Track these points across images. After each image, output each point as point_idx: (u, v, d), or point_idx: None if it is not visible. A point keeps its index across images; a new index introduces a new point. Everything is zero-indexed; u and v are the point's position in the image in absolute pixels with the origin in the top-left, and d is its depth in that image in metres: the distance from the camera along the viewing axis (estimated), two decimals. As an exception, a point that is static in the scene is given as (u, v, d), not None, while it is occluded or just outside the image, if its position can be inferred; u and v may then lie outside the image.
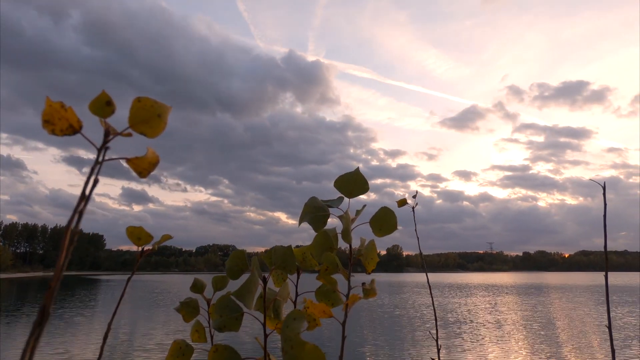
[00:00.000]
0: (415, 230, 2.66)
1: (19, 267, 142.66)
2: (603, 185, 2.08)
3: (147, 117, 0.56)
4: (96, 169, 0.52)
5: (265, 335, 1.02)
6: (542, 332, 21.76)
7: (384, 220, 1.15)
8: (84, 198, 0.49)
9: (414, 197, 2.67)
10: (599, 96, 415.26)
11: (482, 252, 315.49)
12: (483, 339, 19.95)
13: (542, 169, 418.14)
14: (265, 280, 1.06)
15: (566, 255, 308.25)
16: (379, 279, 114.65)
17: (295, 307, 1.33)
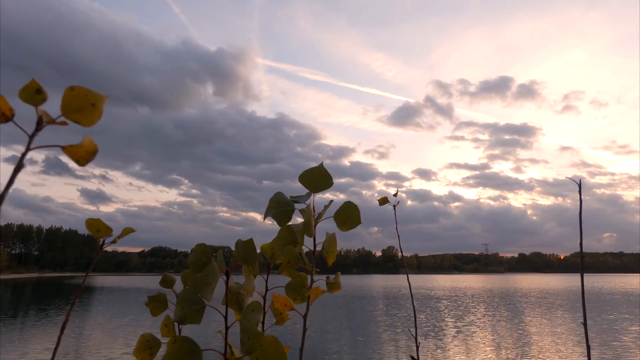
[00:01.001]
0: (397, 229, 2.67)
1: (13, 268, 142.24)
2: (579, 183, 2.10)
3: (81, 106, 0.56)
4: (26, 154, 0.53)
5: (226, 328, 1.03)
6: (520, 332, 22.37)
7: (347, 215, 1.17)
8: (10, 183, 0.50)
9: (395, 195, 2.68)
10: (529, 91, 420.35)
11: (477, 253, 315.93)
12: (462, 338, 20.56)
13: (501, 168, 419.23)
14: (228, 274, 1.07)
15: (562, 257, 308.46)
16: (373, 280, 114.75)
17: (264, 302, 1.34)
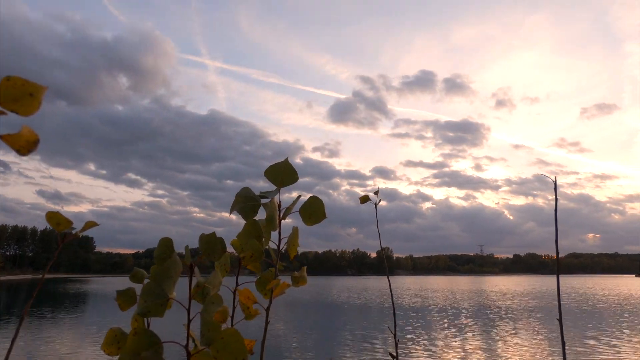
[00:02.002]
0: (377, 227, 2.68)
1: (8, 269, 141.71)
2: (554, 180, 2.12)
3: (18, 96, 0.57)
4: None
5: (189, 320, 1.04)
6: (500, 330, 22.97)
7: (312, 209, 1.18)
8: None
9: (376, 193, 2.70)
10: (455, 85, 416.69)
11: (472, 254, 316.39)
12: (440, 336, 21.54)
13: (460, 166, 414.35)
14: (192, 267, 1.08)
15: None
16: (368, 282, 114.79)
17: (234, 297, 1.35)
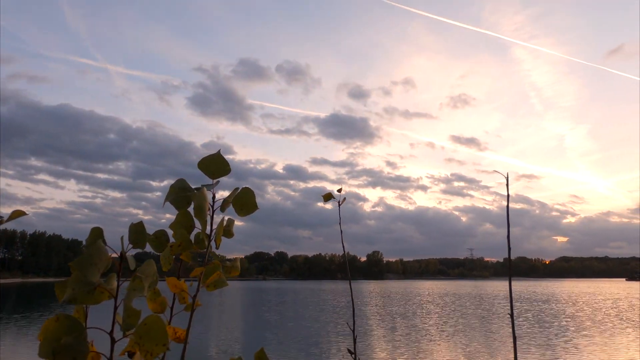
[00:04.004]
0: (340, 224, 2.71)
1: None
2: (506, 176, 2.15)
3: None
4: None
5: (115, 307, 1.06)
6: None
7: (244, 200, 1.20)
8: None
9: (339, 191, 2.72)
10: (295, 71, 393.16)
11: (462, 258, 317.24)
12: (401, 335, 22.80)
13: (372, 164, 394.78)
14: (122, 256, 1.10)
15: (547, 262, 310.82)
16: (362, 285, 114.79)
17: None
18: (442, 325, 27.22)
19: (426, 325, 27.55)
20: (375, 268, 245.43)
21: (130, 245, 1.13)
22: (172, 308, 1.30)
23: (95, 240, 1.16)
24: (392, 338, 21.86)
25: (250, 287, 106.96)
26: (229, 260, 1.25)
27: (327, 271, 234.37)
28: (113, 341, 1.04)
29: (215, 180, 1.25)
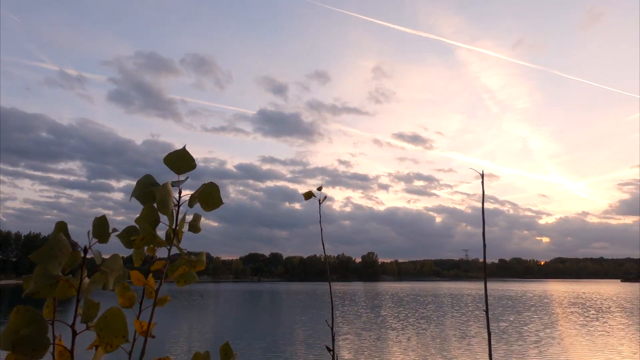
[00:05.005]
0: (320, 222, 2.72)
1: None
2: (482, 173, 2.17)
3: None
4: None
5: (77, 300, 1.07)
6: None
7: (209, 195, 1.22)
8: None
9: (319, 189, 2.73)
10: (201, 62, 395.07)
11: (457, 259, 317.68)
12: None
13: (325, 163, 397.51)
14: (86, 250, 1.11)
15: (542, 263, 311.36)
16: (356, 287, 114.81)
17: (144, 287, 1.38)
18: (423, 324, 27.86)
19: (407, 324, 28.21)
20: (371, 269, 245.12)
21: (95, 240, 1.15)
22: (141, 303, 1.31)
23: (58, 232, 1.17)
24: (371, 336, 22.44)
25: (242, 289, 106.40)
26: (194, 254, 1.25)
27: (323, 272, 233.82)
28: (74, 333, 1.05)
29: (185, 176, 1.26)
